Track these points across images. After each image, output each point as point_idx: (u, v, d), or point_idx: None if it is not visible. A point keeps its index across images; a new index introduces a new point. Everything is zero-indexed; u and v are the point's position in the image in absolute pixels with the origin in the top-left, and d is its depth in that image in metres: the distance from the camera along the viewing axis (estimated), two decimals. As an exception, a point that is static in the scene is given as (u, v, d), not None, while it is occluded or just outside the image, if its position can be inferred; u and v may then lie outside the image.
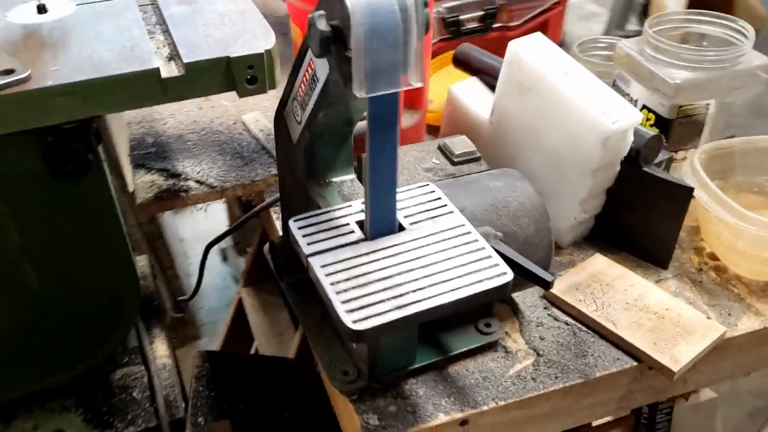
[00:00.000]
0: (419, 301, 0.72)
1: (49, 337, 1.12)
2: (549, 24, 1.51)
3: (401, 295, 0.72)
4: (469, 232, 0.79)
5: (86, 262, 1.08)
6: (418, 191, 0.86)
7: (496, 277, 0.74)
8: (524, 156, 1.07)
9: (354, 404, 0.87)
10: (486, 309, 0.95)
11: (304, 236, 0.79)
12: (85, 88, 0.82)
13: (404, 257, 0.76)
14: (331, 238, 0.79)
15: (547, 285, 0.80)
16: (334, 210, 0.82)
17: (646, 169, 1.01)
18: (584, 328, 0.97)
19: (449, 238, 0.79)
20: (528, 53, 1.04)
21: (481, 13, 1.46)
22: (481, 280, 0.74)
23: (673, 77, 1.07)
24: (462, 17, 1.45)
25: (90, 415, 1.21)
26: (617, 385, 0.93)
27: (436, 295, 0.72)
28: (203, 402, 1.40)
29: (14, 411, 1.18)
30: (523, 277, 0.81)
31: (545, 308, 1.00)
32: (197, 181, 1.24)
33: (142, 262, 1.45)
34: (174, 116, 1.43)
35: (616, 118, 0.95)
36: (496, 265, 0.75)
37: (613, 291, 0.99)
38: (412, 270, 0.75)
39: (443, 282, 0.74)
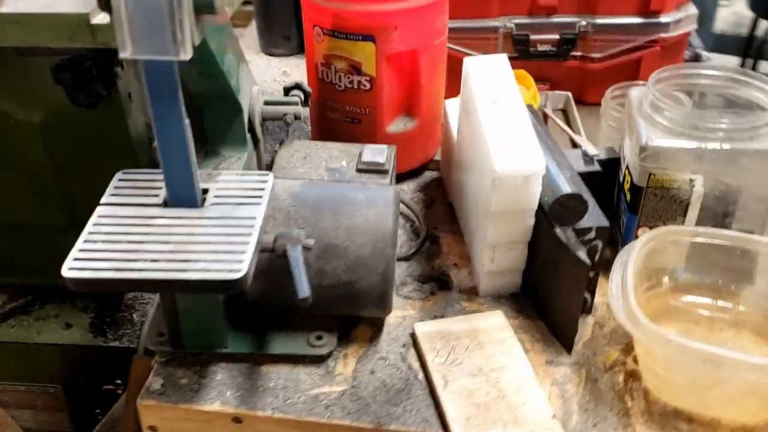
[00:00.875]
0: (141, 270, 0.71)
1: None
2: (642, 64, 1.32)
3: (133, 261, 0.72)
4: (252, 226, 0.76)
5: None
6: (251, 178, 0.84)
7: (229, 271, 0.71)
8: (464, 184, 0.98)
9: (155, 365, 0.89)
10: (324, 322, 0.90)
11: (115, 188, 0.82)
12: (30, 19, 0.94)
13: (171, 230, 0.76)
14: (136, 196, 0.81)
15: (302, 300, 0.74)
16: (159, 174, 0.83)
17: (556, 229, 0.86)
18: (421, 379, 0.87)
19: (229, 225, 0.77)
20: (475, 72, 0.95)
21: (557, 36, 1.32)
22: (211, 270, 0.71)
23: (648, 138, 0.89)
24: (534, 37, 1.33)
25: (96, 320, 1.37)
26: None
27: (160, 270, 0.71)
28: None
29: (52, 297, 1.36)
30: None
31: (404, 345, 0.91)
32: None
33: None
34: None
35: (510, 162, 0.83)
36: (240, 261, 0.72)
37: (478, 352, 0.88)
38: (167, 243, 0.75)
39: (182, 261, 0.72)
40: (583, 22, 1.30)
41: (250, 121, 0.95)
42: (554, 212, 0.86)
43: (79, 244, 0.75)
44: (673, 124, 0.90)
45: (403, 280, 1.02)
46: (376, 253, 0.83)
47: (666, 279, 0.93)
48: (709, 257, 0.89)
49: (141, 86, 1.35)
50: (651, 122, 0.91)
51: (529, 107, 1.07)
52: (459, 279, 1.01)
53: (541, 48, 1.33)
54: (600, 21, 1.30)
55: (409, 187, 1.22)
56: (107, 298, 1.31)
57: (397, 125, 1.17)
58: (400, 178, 1.20)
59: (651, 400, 0.84)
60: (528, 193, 0.86)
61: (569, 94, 1.35)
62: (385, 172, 0.95)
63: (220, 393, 0.86)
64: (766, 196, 0.91)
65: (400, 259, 1.04)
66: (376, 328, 0.94)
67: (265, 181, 0.83)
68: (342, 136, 1.16)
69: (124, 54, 0.69)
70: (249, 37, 1.80)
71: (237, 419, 0.84)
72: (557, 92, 1.36)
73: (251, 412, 0.84)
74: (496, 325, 0.92)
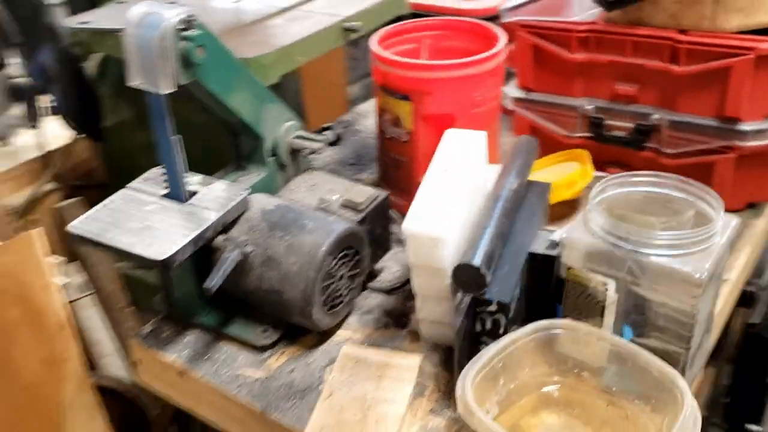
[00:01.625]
0: (110, 238, 0.98)
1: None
2: (716, 169, 1.26)
3: (111, 230, 1.00)
4: (201, 226, 0.99)
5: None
6: (232, 190, 1.06)
7: (158, 252, 0.95)
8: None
9: (153, 320, 1.16)
10: (275, 321, 1.09)
11: (144, 178, 1.10)
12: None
13: (152, 215, 1.02)
14: (153, 186, 1.09)
15: (205, 289, 0.95)
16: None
17: (457, 294, 0.95)
18: (321, 388, 1.02)
19: (188, 220, 1.01)
20: (448, 143, 1.06)
21: (632, 125, 1.32)
22: (150, 249, 0.96)
23: (568, 233, 0.94)
24: (609, 122, 1.34)
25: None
26: None
27: (120, 241, 0.98)
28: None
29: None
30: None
31: (332, 360, 1.07)
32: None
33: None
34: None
35: (419, 223, 0.95)
36: (171, 247, 0.95)
37: (374, 382, 1.00)
38: (142, 222, 1.01)
39: (139, 238, 0.98)
40: (658, 116, 1.29)
41: (275, 148, 1.17)
42: (455, 277, 0.95)
43: (91, 210, 1.04)
44: (594, 225, 0.93)
45: (371, 308, 1.16)
46: (301, 273, 1.01)
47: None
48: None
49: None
50: (588, 218, 0.95)
51: (539, 184, 1.14)
52: (416, 322, 1.13)
53: (616, 133, 1.35)
54: (676, 117, 1.28)
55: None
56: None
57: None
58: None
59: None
60: (438, 255, 0.96)
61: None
62: (360, 211, 1.11)
63: (179, 350, 1.10)
64: (672, 315, 0.90)
65: (380, 291, 1.19)
66: (322, 339, 1.11)
67: (240, 195, 1.06)
68: (389, 175, 1.34)
69: (131, 83, 0.97)
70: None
71: (181, 373, 1.08)
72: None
73: (190, 371, 1.07)
74: (405, 366, 1.03)
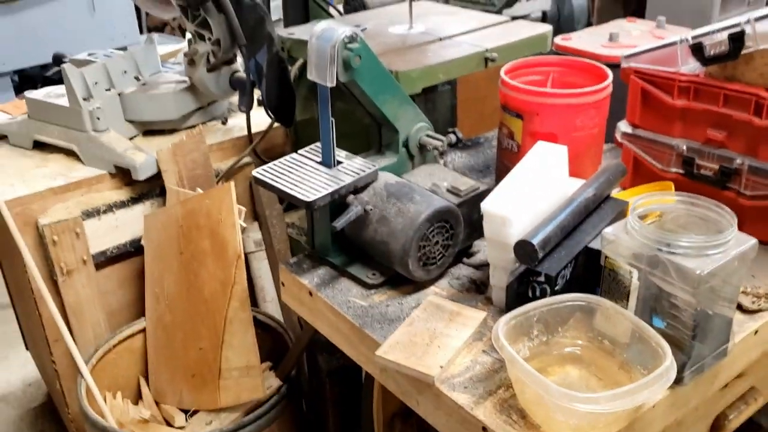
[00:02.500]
0: (277, 184, 1.38)
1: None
2: (786, 213, 1.42)
3: (281, 179, 1.39)
4: (338, 184, 1.36)
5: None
6: (366, 164, 1.42)
7: (307, 196, 1.33)
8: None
9: (301, 254, 1.55)
10: (382, 268, 1.43)
11: (308, 148, 1.50)
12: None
13: (308, 173, 1.41)
14: (314, 154, 1.47)
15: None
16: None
17: (516, 263, 1.24)
18: (404, 318, 1.34)
19: (331, 180, 1.38)
20: (537, 150, 1.35)
21: (717, 166, 1.51)
22: (301, 193, 1.34)
23: (611, 230, 1.19)
24: (699, 161, 1.54)
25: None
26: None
27: (284, 186, 1.37)
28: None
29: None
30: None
31: (419, 304, 1.39)
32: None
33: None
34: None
35: (493, 204, 1.25)
36: (316, 195, 1.33)
37: (445, 322, 1.31)
38: (300, 177, 1.40)
39: (295, 187, 1.37)
40: (740, 161, 1.48)
41: (407, 142, 1.52)
42: (515, 250, 1.24)
43: (269, 164, 1.45)
44: (629, 227, 1.18)
45: (460, 276, 1.47)
46: (403, 231, 1.34)
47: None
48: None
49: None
50: (627, 221, 1.20)
51: (617, 201, 1.40)
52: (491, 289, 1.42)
53: (704, 172, 1.55)
54: (756, 164, 1.46)
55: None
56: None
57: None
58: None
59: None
60: (506, 231, 1.26)
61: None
62: (460, 196, 1.42)
63: (312, 278, 1.48)
64: (679, 305, 1.12)
65: (471, 265, 1.49)
66: (416, 289, 1.43)
67: (371, 168, 1.41)
68: (501, 179, 1.64)
69: (309, 77, 1.36)
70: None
71: (310, 293, 1.45)
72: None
73: (317, 293, 1.44)
74: (471, 317, 1.33)
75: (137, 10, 4.38)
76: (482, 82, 2.19)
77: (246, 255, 2.28)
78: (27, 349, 2.79)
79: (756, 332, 1.31)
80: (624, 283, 1.20)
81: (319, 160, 1.46)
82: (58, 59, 2.35)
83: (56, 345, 2.03)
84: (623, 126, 1.70)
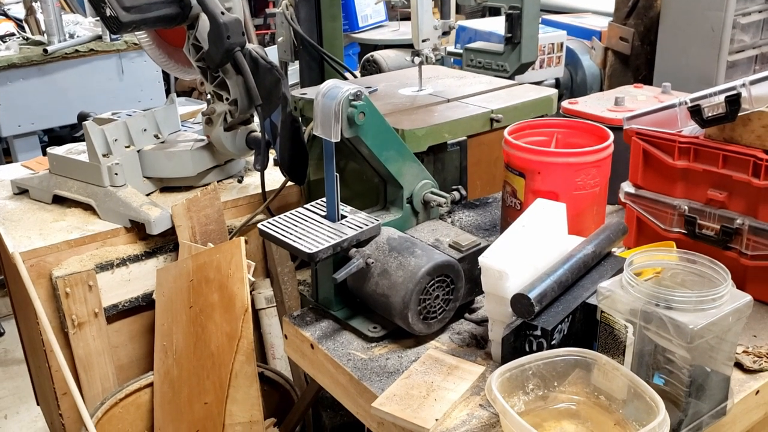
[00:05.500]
0: (282, 236, 1.41)
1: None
2: (789, 273, 1.41)
3: (285, 232, 1.43)
4: (340, 237, 1.39)
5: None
6: (369, 219, 1.45)
7: (309, 248, 1.35)
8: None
9: (305, 307, 1.56)
10: (385, 321, 1.44)
11: (314, 203, 1.53)
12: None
13: (312, 226, 1.44)
14: (319, 209, 1.51)
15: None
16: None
17: (512, 317, 1.25)
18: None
19: (334, 233, 1.41)
20: (536, 206, 1.37)
21: (718, 226, 1.52)
22: (303, 245, 1.37)
23: (606, 285, 1.20)
24: (700, 221, 1.55)
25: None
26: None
27: (287, 238, 1.40)
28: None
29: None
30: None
31: (418, 357, 1.39)
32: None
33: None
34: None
35: (491, 258, 1.26)
36: (317, 247, 1.36)
37: (444, 375, 1.32)
38: (304, 230, 1.43)
39: (299, 239, 1.40)
40: (741, 221, 1.49)
41: (411, 198, 1.55)
42: (512, 303, 1.25)
43: (275, 217, 1.48)
44: (624, 282, 1.19)
45: (461, 331, 1.48)
46: (404, 284, 1.36)
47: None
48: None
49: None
50: (622, 277, 1.21)
51: (617, 258, 1.41)
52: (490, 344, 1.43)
53: (705, 232, 1.56)
54: (756, 224, 1.47)
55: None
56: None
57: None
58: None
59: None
60: (503, 285, 1.27)
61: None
62: (461, 251, 1.44)
63: (314, 330, 1.49)
64: (678, 362, 1.12)
65: (472, 321, 1.50)
66: (416, 343, 1.44)
67: (374, 223, 1.44)
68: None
69: (315, 132, 1.41)
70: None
71: (312, 345, 1.46)
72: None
73: (317, 344, 1.45)
74: (469, 371, 1.33)
75: (166, 75, 4.54)
76: (495, 145, 2.23)
77: (257, 311, 2.30)
78: (38, 404, 2.81)
79: (757, 392, 1.29)
80: (620, 338, 1.20)
81: (324, 214, 1.49)
82: (82, 117, 2.44)
83: (64, 398, 2.05)
84: (626, 186, 1.72)
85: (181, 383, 1.97)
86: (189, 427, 1.94)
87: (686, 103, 1.54)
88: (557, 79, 3.63)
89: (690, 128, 1.61)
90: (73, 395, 1.93)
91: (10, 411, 3.11)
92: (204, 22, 2.01)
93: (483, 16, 5.55)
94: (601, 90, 3.52)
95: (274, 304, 2.32)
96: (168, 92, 4.77)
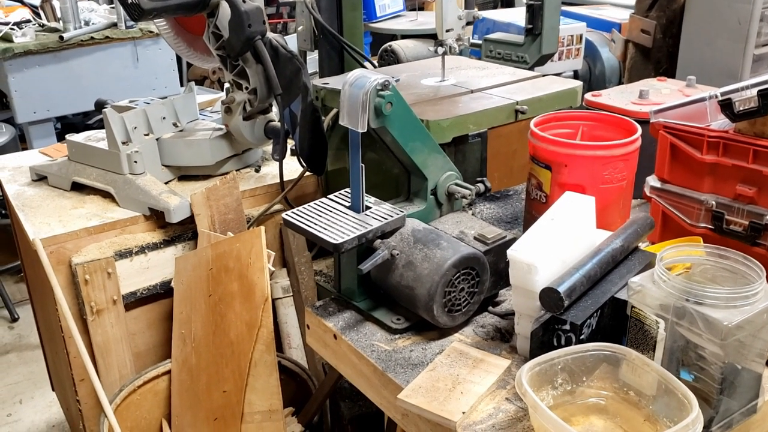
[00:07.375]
0: (307, 227, 1.40)
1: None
2: (818, 270, 1.39)
3: (310, 222, 1.42)
4: (365, 228, 1.38)
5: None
6: (393, 210, 1.44)
7: (334, 238, 1.34)
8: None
9: (327, 298, 1.56)
10: (408, 313, 1.43)
11: (337, 194, 1.52)
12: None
13: (338, 217, 1.43)
14: (344, 199, 1.50)
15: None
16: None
17: (541, 310, 1.24)
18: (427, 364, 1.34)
19: (360, 224, 1.40)
20: (564, 200, 1.35)
21: (746, 222, 1.50)
22: (329, 236, 1.36)
23: (638, 280, 1.19)
24: (728, 217, 1.53)
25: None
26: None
27: (313, 229, 1.39)
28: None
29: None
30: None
31: (443, 349, 1.38)
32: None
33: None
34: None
35: (519, 251, 1.25)
36: (343, 237, 1.35)
37: (469, 369, 1.31)
38: (329, 220, 1.42)
39: (324, 229, 1.39)
40: (769, 217, 1.48)
41: (435, 189, 1.54)
42: (541, 297, 1.24)
43: (300, 207, 1.47)
44: (656, 277, 1.17)
45: (485, 324, 1.47)
46: (429, 276, 1.35)
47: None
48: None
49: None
50: (654, 272, 1.20)
51: (645, 253, 1.40)
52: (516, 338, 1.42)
53: (733, 228, 1.54)
54: (786, 220, 1.46)
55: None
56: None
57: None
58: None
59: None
60: (531, 279, 1.26)
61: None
62: (487, 244, 1.43)
63: (337, 321, 1.48)
64: (710, 358, 1.11)
65: (496, 314, 1.49)
66: (440, 336, 1.43)
67: (398, 214, 1.43)
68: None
69: (341, 122, 1.39)
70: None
71: (334, 336, 1.46)
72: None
73: (341, 334, 1.44)
74: (495, 364, 1.32)
75: (179, 63, 4.52)
76: (514, 137, 2.22)
77: (273, 301, 2.29)
78: (53, 389, 2.82)
79: (788, 390, 1.28)
80: (650, 334, 1.19)
81: (348, 204, 1.48)
82: (100, 105, 2.43)
83: (82, 384, 2.05)
84: (652, 181, 1.70)
85: (200, 371, 1.96)
86: (207, 414, 1.94)
87: (716, 96, 1.52)
88: (576, 72, 3.61)
89: (719, 122, 1.59)
90: (92, 381, 1.93)
91: (24, 396, 3.12)
92: (225, 9, 2.00)
93: (495, 7, 5.52)
94: (620, 83, 3.49)
95: (291, 294, 2.31)
96: (181, 80, 4.76)
